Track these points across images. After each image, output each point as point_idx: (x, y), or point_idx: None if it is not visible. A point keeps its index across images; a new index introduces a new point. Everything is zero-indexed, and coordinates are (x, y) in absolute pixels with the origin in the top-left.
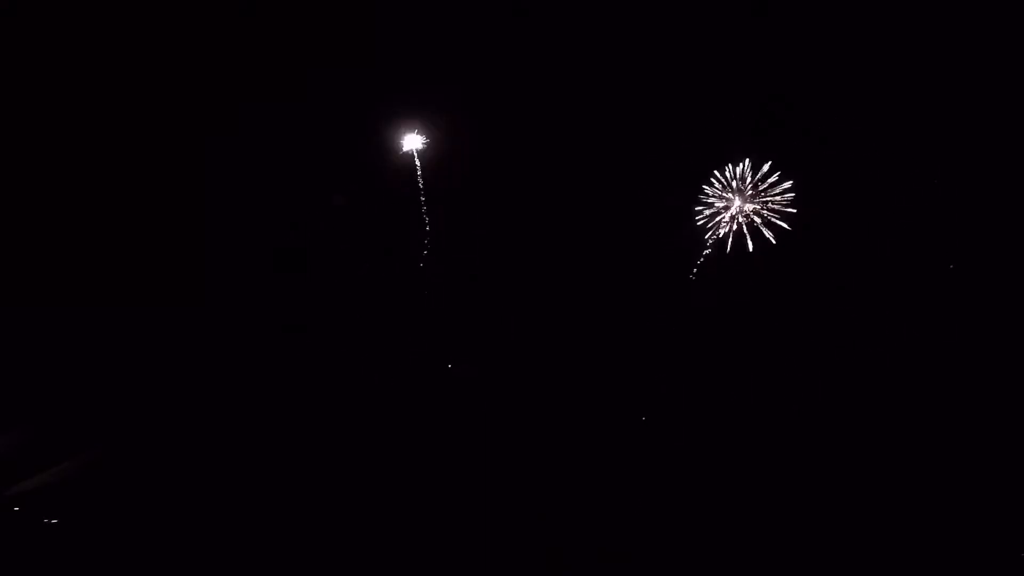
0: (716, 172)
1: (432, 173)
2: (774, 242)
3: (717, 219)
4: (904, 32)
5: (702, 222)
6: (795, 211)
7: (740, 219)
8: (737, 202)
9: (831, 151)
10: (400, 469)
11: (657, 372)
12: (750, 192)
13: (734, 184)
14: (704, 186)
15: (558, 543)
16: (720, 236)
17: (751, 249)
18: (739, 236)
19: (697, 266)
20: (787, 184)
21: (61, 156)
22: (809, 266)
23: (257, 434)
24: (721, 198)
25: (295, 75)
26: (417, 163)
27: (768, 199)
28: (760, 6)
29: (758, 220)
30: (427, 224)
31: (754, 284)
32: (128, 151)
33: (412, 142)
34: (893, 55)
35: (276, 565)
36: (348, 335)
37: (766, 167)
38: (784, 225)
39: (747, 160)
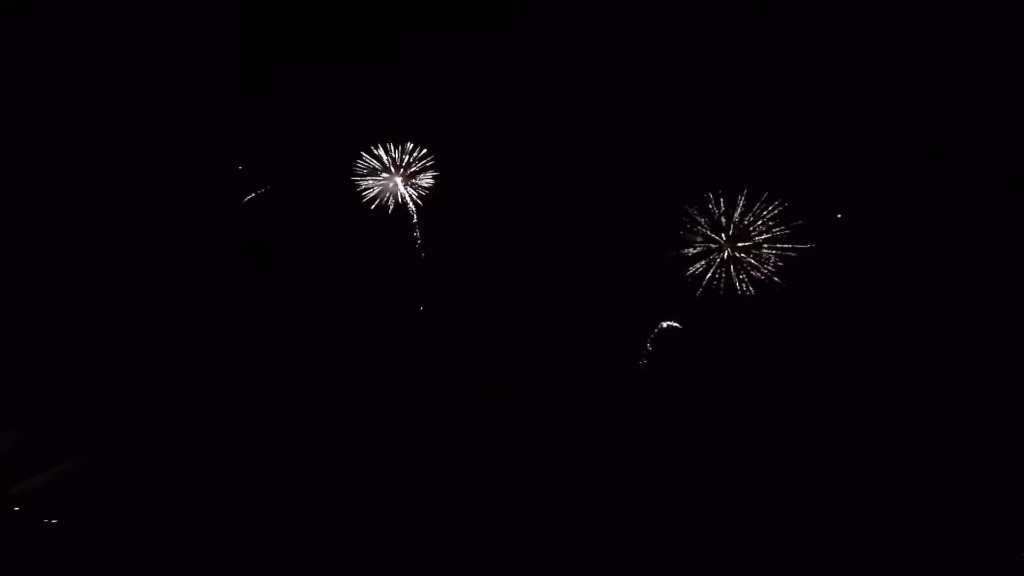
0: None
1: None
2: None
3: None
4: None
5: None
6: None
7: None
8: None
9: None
10: (398, 470)
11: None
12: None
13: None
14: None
15: (558, 545)
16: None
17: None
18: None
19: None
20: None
21: (58, 156)
22: None
23: (257, 434)
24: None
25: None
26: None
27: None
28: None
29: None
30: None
31: None
32: (126, 152)
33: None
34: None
35: (276, 565)
36: (347, 335)
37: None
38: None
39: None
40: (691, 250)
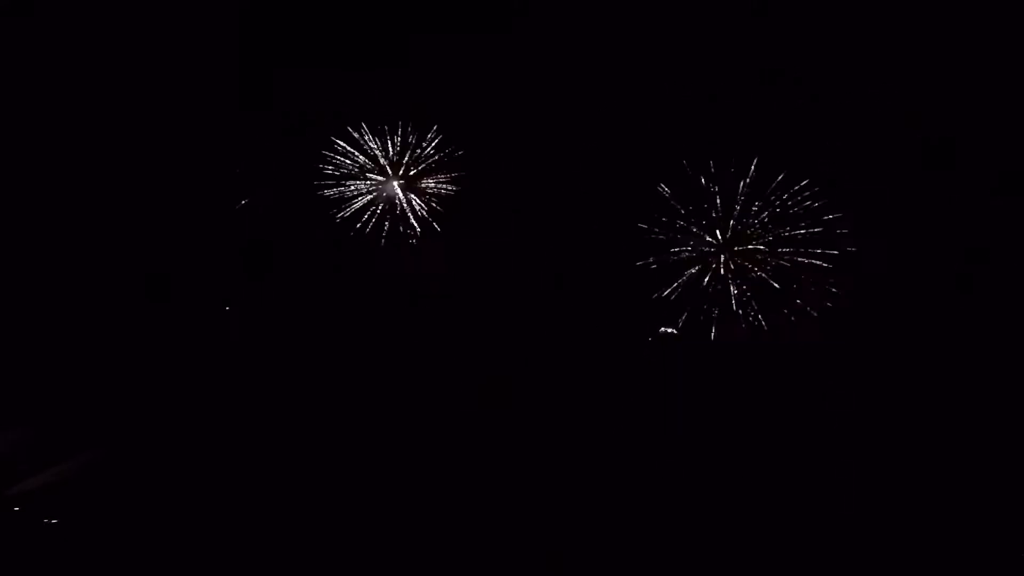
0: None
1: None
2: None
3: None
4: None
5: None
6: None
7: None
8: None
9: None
10: (398, 470)
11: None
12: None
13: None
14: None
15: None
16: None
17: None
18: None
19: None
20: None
21: (58, 156)
22: None
23: (257, 434)
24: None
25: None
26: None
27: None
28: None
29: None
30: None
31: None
32: (126, 151)
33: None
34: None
35: (276, 565)
36: (346, 335)
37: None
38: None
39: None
40: (687, 252)
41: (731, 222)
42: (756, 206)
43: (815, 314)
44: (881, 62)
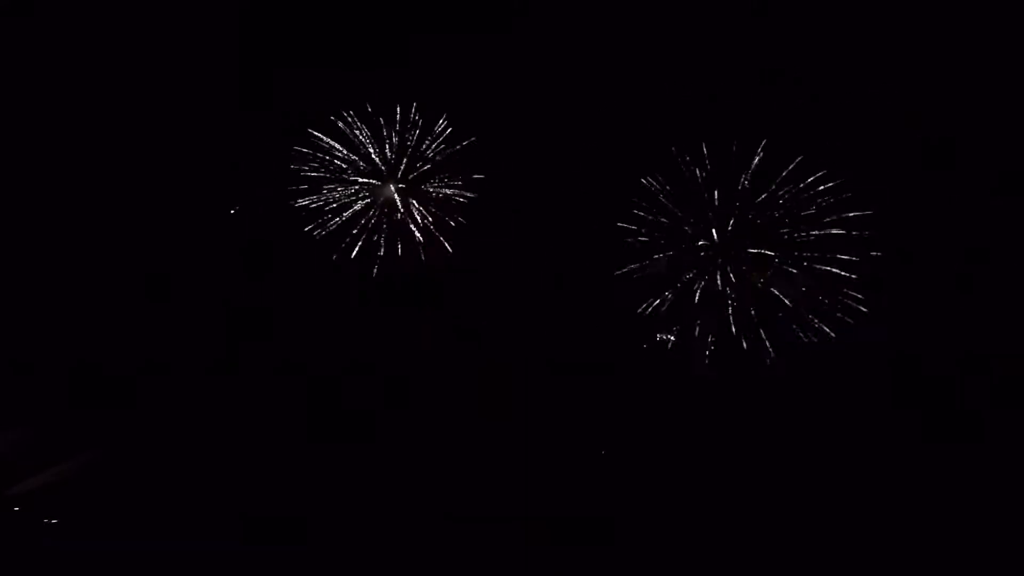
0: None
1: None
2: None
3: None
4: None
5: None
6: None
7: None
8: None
9: None
10: (398, 473)
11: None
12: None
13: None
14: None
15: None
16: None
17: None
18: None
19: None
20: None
21: (58, 156)
22: None
23: (257, 434)
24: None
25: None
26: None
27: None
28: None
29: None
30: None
31: None
32: (126, 151)
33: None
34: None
35: (276, 565)
36: (345, 335)
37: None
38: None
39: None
40: (687, 257)
41: (730, 222)
42: (751, 213)
43: (832, 334)
44: (881, 62)
